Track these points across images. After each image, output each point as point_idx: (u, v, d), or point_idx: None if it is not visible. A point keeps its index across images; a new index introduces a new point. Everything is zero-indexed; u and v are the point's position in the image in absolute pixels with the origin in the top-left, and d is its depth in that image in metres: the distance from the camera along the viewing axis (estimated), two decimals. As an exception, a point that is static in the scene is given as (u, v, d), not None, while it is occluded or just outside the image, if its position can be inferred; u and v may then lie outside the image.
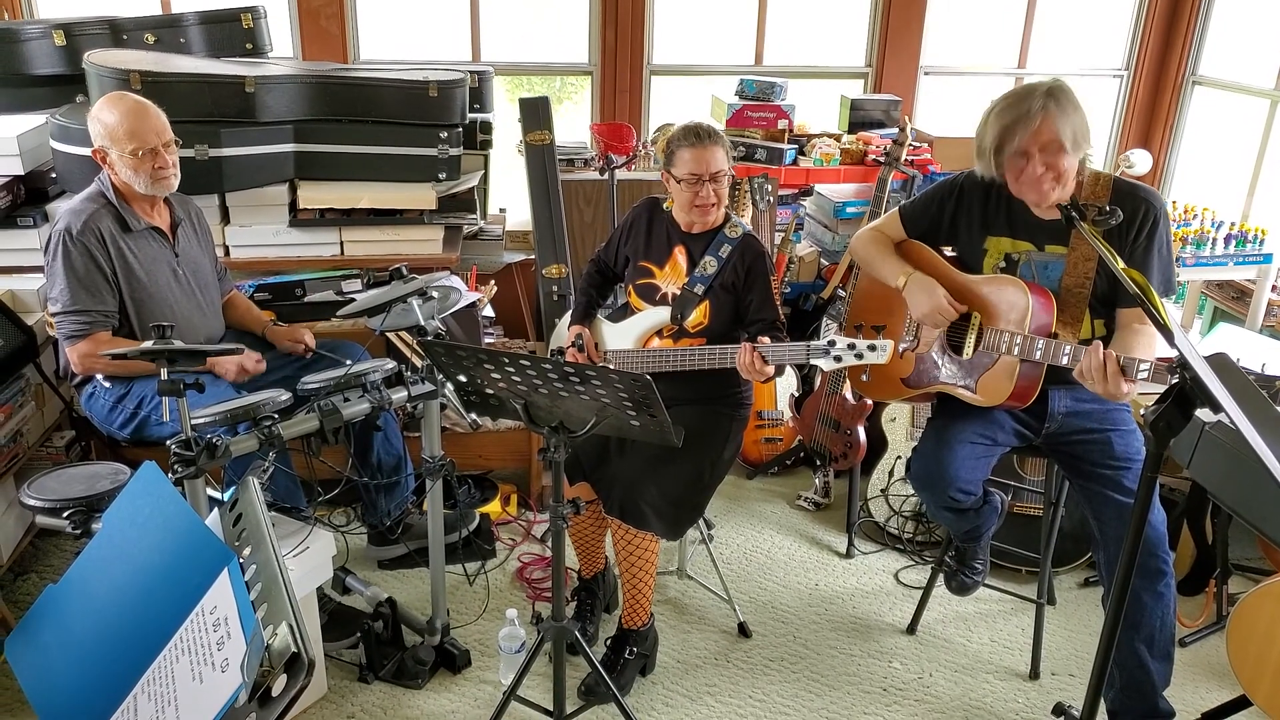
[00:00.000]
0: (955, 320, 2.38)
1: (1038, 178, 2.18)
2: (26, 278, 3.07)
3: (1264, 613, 2.23)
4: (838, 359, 2.30)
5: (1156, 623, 2.28)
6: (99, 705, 1.44)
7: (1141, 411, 1.70)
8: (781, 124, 4.39)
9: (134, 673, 1.42)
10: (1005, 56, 5.39)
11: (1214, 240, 3.77)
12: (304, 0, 4.55)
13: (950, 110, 5.37)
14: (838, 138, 4.50)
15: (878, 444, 3.45)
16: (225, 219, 3.36)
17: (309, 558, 2.35)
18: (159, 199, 2.73)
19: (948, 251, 2.49)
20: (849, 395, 3.32)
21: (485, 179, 3.87)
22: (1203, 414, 2.34)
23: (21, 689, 1.59)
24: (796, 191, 4.33)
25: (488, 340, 3.71)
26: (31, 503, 2.18)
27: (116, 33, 3.57)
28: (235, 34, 3.76)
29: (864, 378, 2.58)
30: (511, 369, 1.95)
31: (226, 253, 3.32)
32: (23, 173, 3.12)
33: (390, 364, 2.52)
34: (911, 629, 2.89)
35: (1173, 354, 1.61)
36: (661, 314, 2.61)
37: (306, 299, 3.37)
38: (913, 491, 3.06)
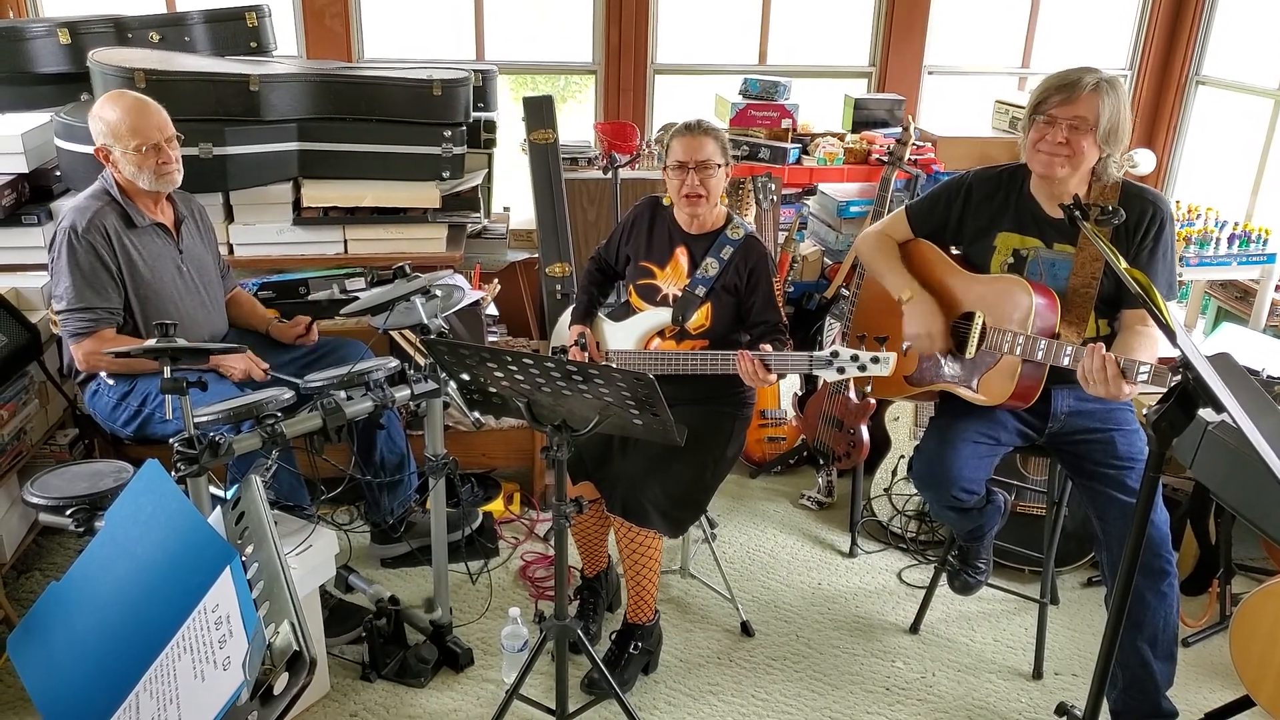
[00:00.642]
0: (958, 320, 2.38)
1: (1054, 146, 2.18)
2: (31, 275, 3.07)
3: (1267, 613, 2.22)
4: (841, 370, 2.30)
5: (1160, 623, 2.28)
6: (101, 703, 1.44)
7: (1144, 411, 1.70)
8: (785, 123, 4.39)
9: (136, 670, 1.42)
10: (1009, 56, 5.39)
11: (1217, 240, 3.77)
12: (308, -1, 4.57)
13: (954, 110, 5.36)
14: (841, 137, 4.50)
15: (881, 443, 3.44)
16: (229, 217, 3.36)
17: (312, 556, 2.36)
18: (162, 196, 2.74)
19: (954, 251, 2.49)
20: (852, 394, 3.32)
21: (489, 178, 3.88)
22: (1205, 414, 2.33)
23: (24, 686, 1.59)
24: (800, 191, 4.33)
25: (491, 339, 3.71)
26: (35, 501, 2.19)
27: (121, 31, 3.58)
28: (240, 32, 3.77)
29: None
30: (514, 367, 1.95)
31: (231, 251, 3.33)
32: (27, 171, 3.13)
33: (394, 362, 2.53)
34: (914, 628, 2.89)
35: (1176, 354, 1.61)
36: (663, 315, 2.61)
37: (310, 297, 3.37)
38: (916, 491, 3.06)
